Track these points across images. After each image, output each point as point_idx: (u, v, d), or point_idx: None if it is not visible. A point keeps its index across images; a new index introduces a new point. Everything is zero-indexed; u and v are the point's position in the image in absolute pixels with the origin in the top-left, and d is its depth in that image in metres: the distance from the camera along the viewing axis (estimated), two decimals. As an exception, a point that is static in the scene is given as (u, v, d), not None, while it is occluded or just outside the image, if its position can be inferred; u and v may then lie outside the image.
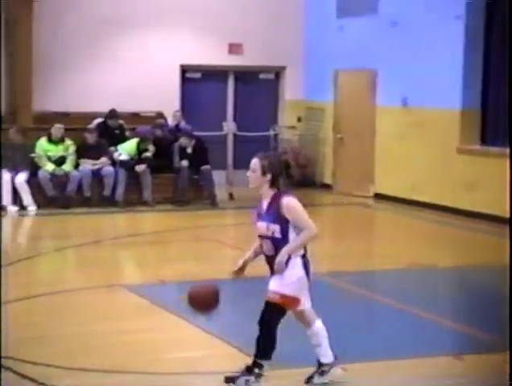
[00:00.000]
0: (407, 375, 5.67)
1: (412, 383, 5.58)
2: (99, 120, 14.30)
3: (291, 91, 16.50)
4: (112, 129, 14.25)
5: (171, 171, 14.03)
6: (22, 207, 12.97)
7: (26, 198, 13.02)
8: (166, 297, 7.83)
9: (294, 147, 16.26)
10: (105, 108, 14.31)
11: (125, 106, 14.66)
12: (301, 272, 5.15)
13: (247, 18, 15.85)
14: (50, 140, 13.53)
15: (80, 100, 14.77)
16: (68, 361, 5.75)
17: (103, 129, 14.09)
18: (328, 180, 16.00)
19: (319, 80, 15.94)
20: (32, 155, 13.41)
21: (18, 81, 14.23)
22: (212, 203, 13.88)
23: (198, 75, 16.20)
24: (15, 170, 13.07)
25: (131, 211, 13.28)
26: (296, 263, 5.13)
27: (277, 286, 5.12)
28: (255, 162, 5.13)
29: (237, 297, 7.65)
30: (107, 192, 13.60)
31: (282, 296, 5.09)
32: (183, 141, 14.07)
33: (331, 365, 5.35)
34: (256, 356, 5.18)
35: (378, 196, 14.69)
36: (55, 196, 13.27)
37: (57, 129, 13.55)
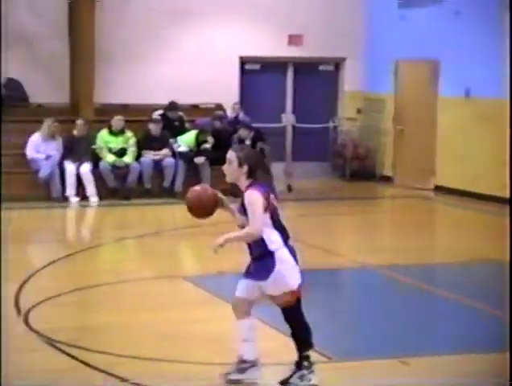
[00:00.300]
0: (475, 371, 5.56)
1: (483, 378, 5.46)
2: (159, 112, 14.41)
3: (350, 82, 16.36)
4: (171, 120, 14.34)
5: (230, 163, 14.03)
6: (84, 198, 13.16)
7: (90, 188, 13.20)
8: (225, 288, 7.81)
9: (353, 139, 16.14)
10: (165, 100, 14.40)
11: (185, 98, 14.73)
12: (291, 261, 5.01)
13: (307, 9, 15.76)
14: (111, 132, 13.70)
15: (141, 92, 14.90)
16: (130, 350, 5.80)
17: (163, 121, 14.19)
18: (388, 172, 15.83)
19: (379, 70, 15.77)
20: (93, 147, 13.59)
21: (81, 74, 14.42)
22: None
23: (257, 66, 16.19)
24: (79, 161, 13.27)
25: (191, 203, 13.31)
26: (282, 255, 4.98)
27: (279, 288, 4.98)
28: (231, 154, 5.08)
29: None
30: (167, 183, 13.71)
31: (291, 293, 5.01)
32: (242, 132, 14.07)
33: (252, 363, 5.18)
34: (299, 350, 5.15)
35: (439, 188, 14.47)
36: (116, 187, 13.43)
37: (117, 120, 13.71)
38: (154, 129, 13.84)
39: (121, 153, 13.66)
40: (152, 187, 13.67)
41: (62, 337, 5.99)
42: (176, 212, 12.89)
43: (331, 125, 16.40)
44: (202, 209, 5.09)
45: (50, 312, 6.80)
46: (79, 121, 13.59)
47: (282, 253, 4.96)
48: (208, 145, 13.90)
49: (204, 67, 15.29)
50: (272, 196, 5.10)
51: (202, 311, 7.06)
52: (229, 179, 5.09)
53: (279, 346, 5.89)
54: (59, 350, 5.78)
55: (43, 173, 13.11)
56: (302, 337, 5.11)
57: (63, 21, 14.65)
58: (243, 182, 5.03)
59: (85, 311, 7.06)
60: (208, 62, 15.35)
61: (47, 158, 13.19)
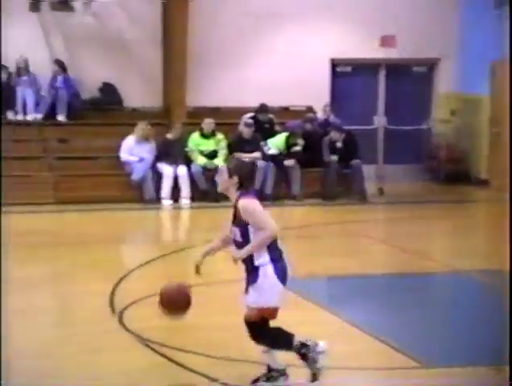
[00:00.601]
0: None
1: None
2: (250, 114, 14.48)
3: (444, 83, 16.05)
4: (262, 123, 14.38)
5: (320, 166, 13.99)
6: (175, 200, 13.34)
7: (185, 190, 13.39)
8: (314, 291, 7.79)
9: (447, 141, 15.82)
10: (256, 103, 14.46)
11: (275, 100, 14.76)
12: (273, 279, 4.97)
13: (400, 10, 15.55)
14: (202, 134, 13.85)
15: (231, 95, 15.01)
16: (219, 351, 5.82)
17: (254, 124, 14.24)
18: (483, 175, 15.44)
19: (474, 72, 15.40)
20: (186, 150, 13.77)
21: (173, 77, 14.64)
22: (362, 197, 13.73)
23: (348, 68, 16.07)
24: (175, 164, 13.47)
25: (279, 205, 13.34)
26: (267, 270, 4.95)
27: (252, 300, 4.98)
28: (222, 166, 5.11)
29: (384, 292, 7.51)
30: (257, 186, 13.75)
31: (260, 310, 4.96)
32: (333, 135, 14.00)
33: (280, 372, 5.14)
34: (290, 351, 5.08)
35: (537, 192, 14.00)
36: (207, 189, 13.55)
37: (208, 123, 13.84)
38: (246, 131, 13.92)
39: (212, 155, 13.79)
40: (242, 189, 13.72)
41: (155, 336, 6.07)
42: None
43: (425, 127, 16.12)
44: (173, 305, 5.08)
45: (143, 312, 6.90)
46: (176, 125, 13.80)
47: (266, 270, 4.93)
48: (298, 148, 13.88)
49: (295, 70, 15.28)
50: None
51: (291, 314, 7.00)
52: (219, 189, 5.14)
53: (364, 350, 5.82)
54: (152, 349, 5.87)
55: (137, 175, 13.36)
56: (280, 346, 5.07)
57: (156, 26, 14.92)
58: (233, 193, 5.04)
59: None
60: (299, 64, 15.34)
61: (141, 160, 13.44)
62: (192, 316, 6.92)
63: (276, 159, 13.76)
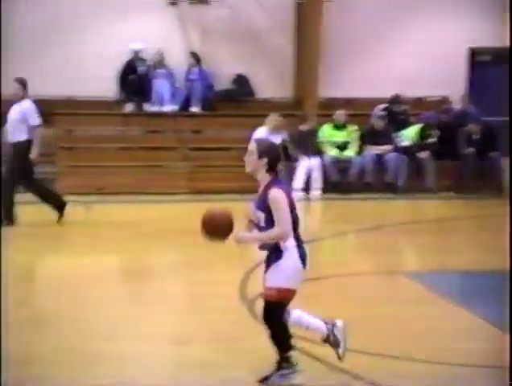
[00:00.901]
0: None
1: None
2: (382, 106, 14.28)
3: None
4: (396, 114, 14.16)
5: (456, 158, 13.63)
6: (306, 191, 13.35)
7: (318, 182, 13.38)
8: (446, 286, 7.60)
9: None
10: (388, 94, 14.25)
11: (409, 91, 14.48)
12: (297, 262, 4.92)
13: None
14: (334, 126, 13.78)
15: (364, 86, 14.85)
16: (355, 344, 5.76)
17: (387, 115, 14.05)
18: None
19: None
20: (317, 141, 13.75)
21: (306, 69, 14.64)
22: (499, 191, 13.27)
23: (487, 57, 15.54)
24: (308, 156, 13.48)
25: (412, 198, 13.11)
26: (291, 253, 4.90)
27: (272, 280, 4.91)
28: (253, 146, 4.97)
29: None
30: (389, 178, 13.56)
31: (278, 290, 4.89)
32: (470, 126, 13.60)
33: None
34: (278, 352, 5.01)
35: None
36: (338, 181, 13.49)
37: (340, 114, 13.77)
38: (379, 123, 13.74)
39: (343, 147, 13.70)
40: (374, 182, 13.59)
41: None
42: (397, 208, 12.73)
43: None
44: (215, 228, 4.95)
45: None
46: (311, 116, 13.80)
47: (291, 253, 4.90)
48: (433, 140, 13.57)
49: (430, 60, 14.94)
50: (292, 195, 4.99)
51: (423, 308, 6.88)
52: (248, 169, 5.01)
53: (502, 349, 5.62)
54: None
55: (268, 166, 13.44)
56: (281, 340, 4.99)
57: (289, 16, 14.96)
58: (262, 175, 4.95)
59: (308, 303, 7.13)
60: (435, 54, 14.98)
61: (272, 151, 13.51)
62: (324, 308, 6.93)
63: (409, 151, 13.52)
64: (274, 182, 4.90)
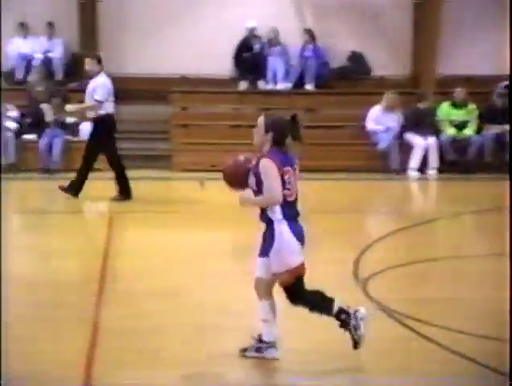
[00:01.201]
0: None
1: None
2: (505, 83, 13.75)
3: None
4: (518, 92, 13.62)
5: None
6: (422, 171, 13.07)
7: (434, 161, 13.08)
8: None
9: None
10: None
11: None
12: (290, 238, 4.87)
13: None
14: (453, 104, 13.40)
15: (484, 62, 14.36)
16: (467, 326, 5.60)
17: (508, 93, 13.53)
18: None
19: None
20: (435, 119, 13.42)
21: (424, 46, 14.28)
22: None
23: None
24: (425, 135, 13.17)
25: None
26: (282, 230, 4.86)
27: (278, 267, 4.88)
28: (260, 120, 4.99)
29: None
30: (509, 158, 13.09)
31: (288, 271, 4.87)
32: None
33: (270, 344, 5.03)
34: (333, 317, 4.98)
35: None
36: (456, 160, 13.13)
37: (459, 92, 13.38)
38: (500, 101, 13.27)
39: (462, 125, 13.32)
40: (493, 161, 13.15)
41: (398, 308, 5.97)
42: (518, 189, 12.26)
43: None
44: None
45: (387, 282, 6.83)
46: (429, 94, 13.50)
47: (282, 229, 4.86)
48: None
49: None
50: (288, 168, 4.92)
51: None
52: (254, 143, 5.02)
53: None
54: (396, 320, 5.78)
55: (382, 145, 13.25)
56: (319, 308, 4.96)
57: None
58: (266, 150, 4.96)
59: (422, 284, 6.98)
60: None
61: (387, 130, 13.29)
62: (436, 289, 6.76)
63: (530, 131, 12.99)
64: (270, 152, 4.92)
